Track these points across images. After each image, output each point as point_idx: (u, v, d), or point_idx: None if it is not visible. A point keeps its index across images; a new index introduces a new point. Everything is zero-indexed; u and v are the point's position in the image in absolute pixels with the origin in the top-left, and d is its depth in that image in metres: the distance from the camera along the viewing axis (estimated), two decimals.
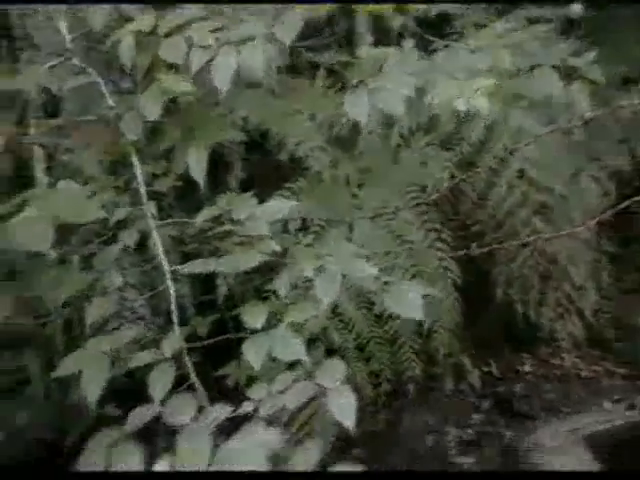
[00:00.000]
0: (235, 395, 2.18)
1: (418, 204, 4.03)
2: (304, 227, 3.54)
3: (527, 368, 4.99)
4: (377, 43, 3.95)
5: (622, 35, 4.84)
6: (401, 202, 3.99)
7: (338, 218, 3.85)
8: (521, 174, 4.18)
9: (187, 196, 3.19)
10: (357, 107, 2.47)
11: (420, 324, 3.74)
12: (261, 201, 2.47)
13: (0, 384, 3.54)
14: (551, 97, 3.69)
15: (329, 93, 4.07)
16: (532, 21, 4.09)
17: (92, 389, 2.17)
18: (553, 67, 3.57)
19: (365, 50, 3.42)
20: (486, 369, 4.70)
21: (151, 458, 1.87)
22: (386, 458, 4.00)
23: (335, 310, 3.50)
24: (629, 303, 4.95)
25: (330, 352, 2.64)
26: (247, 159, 4.20)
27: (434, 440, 4.44)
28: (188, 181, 3.23)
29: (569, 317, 4.41)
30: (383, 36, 3.96)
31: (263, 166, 4.21)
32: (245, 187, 3.64)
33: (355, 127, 3.98)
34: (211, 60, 2.44)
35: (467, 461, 4.37)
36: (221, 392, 2.15)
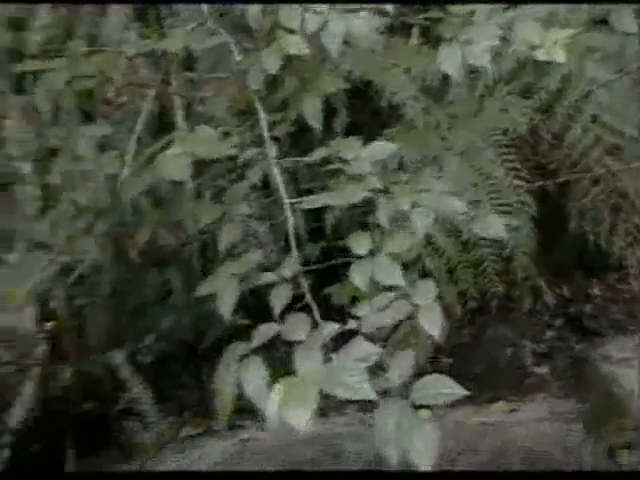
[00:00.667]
0: (339, 313, 2.20)
1: (500, 145, 4.00)
2: (401, 167, 3.54)
3: (596, 292, 4.94)
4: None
5: None
6: (485, 144, 3.97)
7: (429, 158, 3.84)
8: (594, 119, 4.11)
9: (300, 140, 3.21)
10: (449, 61, 2.45)
11: (502, 249, 3.73)
12: (364, 144, 2.49)
13: (149, 295, 3.67)
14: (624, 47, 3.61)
15: (422, 49, 4.04)
16: None
17: (225, 306, 2.24)
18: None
19: (455, 7, 3.38)
20: (559, 292, 4.66)
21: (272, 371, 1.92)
22: (471, 366, 4.04)
23: (428, 240, 3.51)
24: None
25: (423, 276, 2.64)
26: (350, 107, 4.21)
27: (512, 352, 4.45)
28: (300, 127, 3.27)
29: (637, 246, 4.34)
30: None
31: (364, 114, 4.21)
32: (349, 132, 3.66)
33: (445, 79, 3.94)
34: (323, 26, 2.46)
35: (541, 371, 4.38)
36: (328, 310, 2.16)
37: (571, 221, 4.35)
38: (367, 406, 3.87)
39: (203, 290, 2.32)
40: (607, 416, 3.89)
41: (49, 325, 3.27)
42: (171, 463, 3.65)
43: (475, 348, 4.20)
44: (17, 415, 3.20)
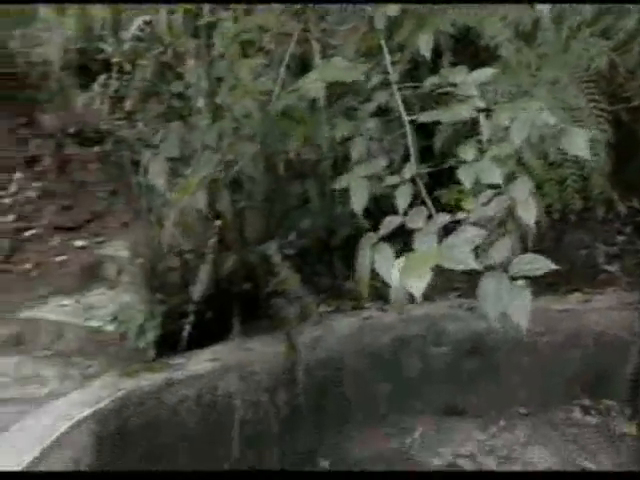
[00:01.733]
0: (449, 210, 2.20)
1: (582, 80, 3.85)
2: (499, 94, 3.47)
3: None
4: None
5: None
6: (569, 79, 3.82)
7: (522, 92, 3.73)
8: None
9: (414, 75, 3.17)
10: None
11: (582, 167, 3.63)
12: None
13: (292, 201, 3.74)
14: None
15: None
16: None
17: (358, 203, 2.26)
18: None
19: None
20: (629, 204, 4.50)
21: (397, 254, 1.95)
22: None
23: (520, 160, 3.44)
24: None
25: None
26: (454, 50, 4.10)
27: (588, 253, 4.36)
28: (415, 66, 3.23)
29: None
30: None
31: (466, 55, 4.10)
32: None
33: (535, 24, 3.80)
34: None
35: (612, 269, 4.29)
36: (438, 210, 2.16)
37: None
38: (467, 292, 3.90)
39: (339, 185, 2.32)
40: None
41: (218, 223, 3.38)
42: (309, 333, 3.76)
43: (556, 250, 4.12)
44: (197, 290, 3.35)
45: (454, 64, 3.97)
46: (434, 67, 3.60)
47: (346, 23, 3.71)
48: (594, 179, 3.90)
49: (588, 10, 3.45)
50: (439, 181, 2.72)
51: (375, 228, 2.15)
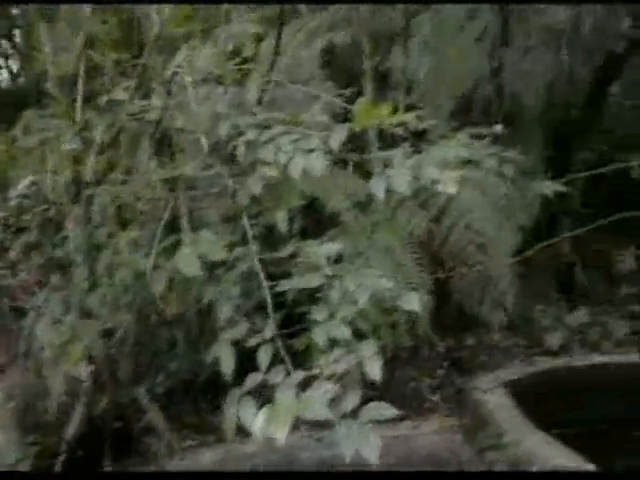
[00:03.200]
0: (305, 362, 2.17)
1: (408, 243, 4.07)
2: (338, 260, 3.55)
3: (470, 342, 4.97)
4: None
5: None
6: (399, 243, 4.02)
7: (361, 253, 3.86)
8: (468, 226, 4.22)
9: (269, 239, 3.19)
10: (378, 186, 2.47)
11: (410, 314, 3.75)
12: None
13: (161, 346, 3.58)
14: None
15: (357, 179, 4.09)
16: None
17: (226, 367, 2.18)
18: None
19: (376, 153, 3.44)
20: (446, 343, 4.69)
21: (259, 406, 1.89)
22: (386, 398, 4.03)
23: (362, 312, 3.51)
24: None
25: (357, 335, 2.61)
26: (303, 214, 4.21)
27: (415, 386, 4.42)
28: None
29: (492, 309, 4.43)
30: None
31: (313, 219, 4.23)
32: (302, 233, 3.66)
33: (369, 197, 4.01)
34: (290, 160, 2.47)
35: (434, 398, 4.34)
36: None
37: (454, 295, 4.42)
38: (316, 425, 3.82)
39: (210, 356, 2.24)
40: (477, 428, 3.90)
41: (91, 367, 3.16)
42: (176, 464, 3.54)
43: (389, 384, 4.17)
44: (70, 431, 3.07)
45: (304, 229, 4.11)
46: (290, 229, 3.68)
47: (212, 192, 3.71)
48: (419, 324, 4.06)
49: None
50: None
51: (240, 379, 2.08)
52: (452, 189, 2.45)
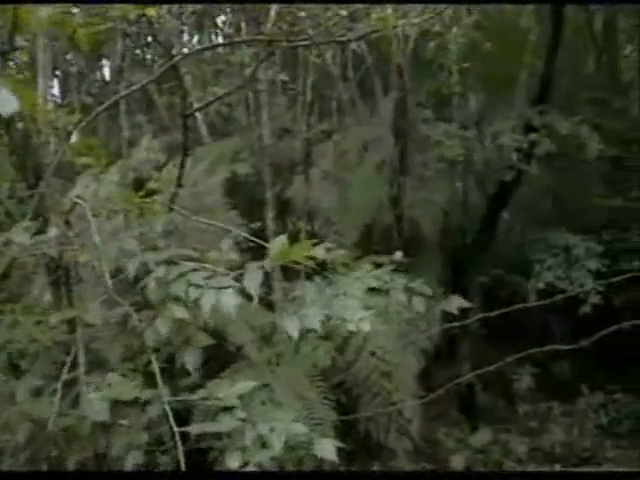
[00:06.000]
0: None
1: (312, 375, 4.16)
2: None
3: None
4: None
5: None
6: (304, 375, 4.10)
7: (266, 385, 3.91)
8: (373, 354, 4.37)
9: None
10: (291, 324, 2.57)
11: None
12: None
13: None
14: None
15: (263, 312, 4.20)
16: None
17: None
18: None
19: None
20: None
21: None
22: None
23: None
24: None
25: None
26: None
27: None
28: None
29: None
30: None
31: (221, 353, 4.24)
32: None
33: (273, 327, 4.11)
34: (200, 296, 2.54)
35: None
36: None
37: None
38: None
39: None
40: None
41: None
42: None
43: None
44: None
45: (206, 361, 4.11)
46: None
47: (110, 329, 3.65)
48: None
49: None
50: None
51: None
52: (365, 328, 2.60)
